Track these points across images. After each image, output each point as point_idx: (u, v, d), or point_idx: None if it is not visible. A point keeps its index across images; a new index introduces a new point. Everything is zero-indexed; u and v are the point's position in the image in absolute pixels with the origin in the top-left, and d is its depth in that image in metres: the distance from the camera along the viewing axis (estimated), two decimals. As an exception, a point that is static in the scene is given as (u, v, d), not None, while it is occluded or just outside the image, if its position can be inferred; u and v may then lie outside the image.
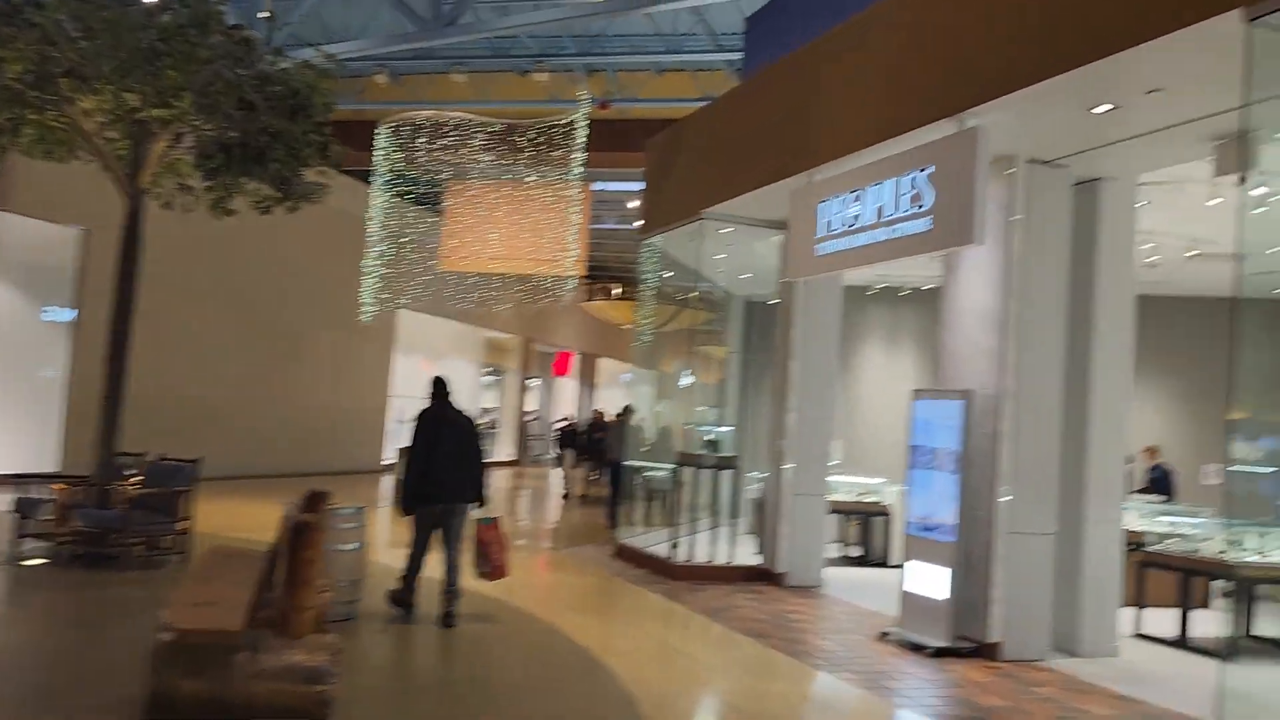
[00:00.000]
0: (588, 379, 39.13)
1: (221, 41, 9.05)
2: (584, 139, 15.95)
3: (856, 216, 8.27)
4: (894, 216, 7.80)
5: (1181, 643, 8.92)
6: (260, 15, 12.62)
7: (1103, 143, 7.64)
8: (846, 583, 11.20)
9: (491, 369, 33.67)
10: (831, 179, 8.73)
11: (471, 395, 31.32)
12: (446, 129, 16.38)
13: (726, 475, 11.75)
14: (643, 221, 13.17)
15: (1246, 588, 8.93)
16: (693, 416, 12.08)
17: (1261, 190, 9.64)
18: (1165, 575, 9.46)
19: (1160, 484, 12.78)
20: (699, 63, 17.11)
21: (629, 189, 23.47)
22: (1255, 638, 9.03)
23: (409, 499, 7.72)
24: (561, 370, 36.51)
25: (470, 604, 8.14)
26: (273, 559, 5.75)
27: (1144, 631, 9.20)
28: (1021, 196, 7.92)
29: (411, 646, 7.39)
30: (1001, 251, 7.91)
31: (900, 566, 12.73)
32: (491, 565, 7.95)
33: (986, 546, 7.87)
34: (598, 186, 20.01)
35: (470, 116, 16.44)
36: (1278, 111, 6.39)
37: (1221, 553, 9.00)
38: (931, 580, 8.09)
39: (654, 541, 12.24)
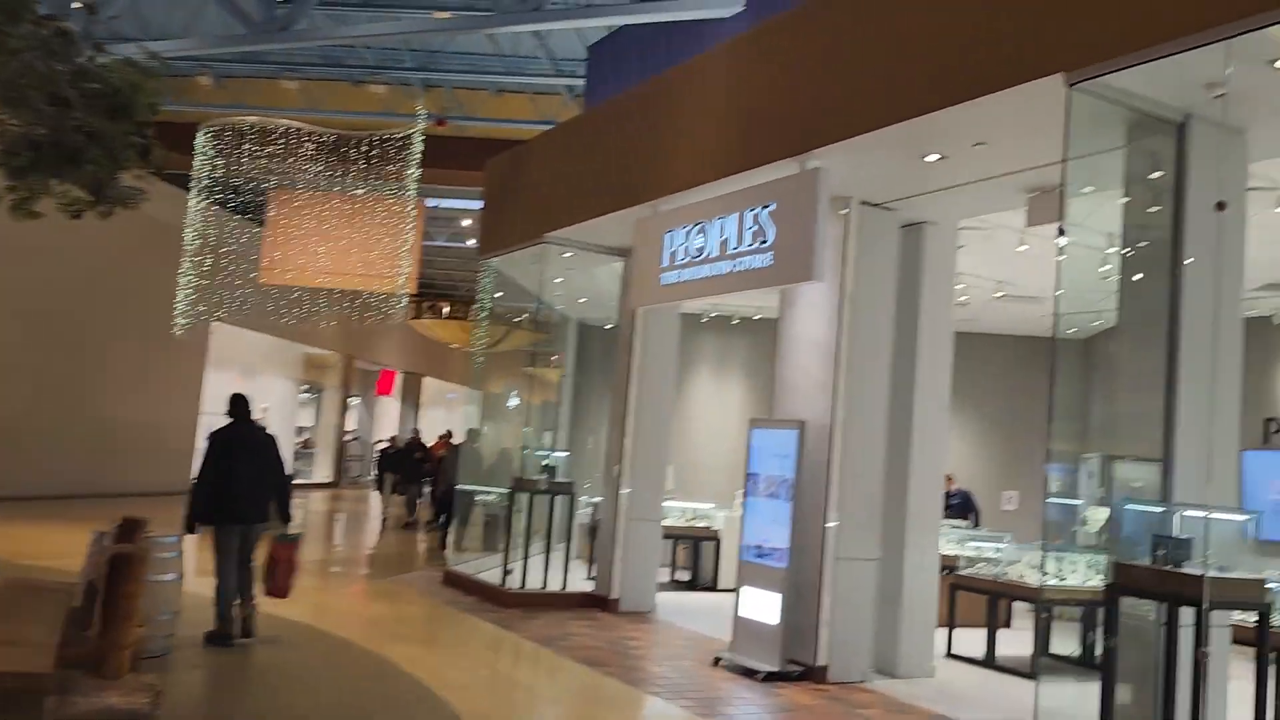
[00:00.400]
0: (411, 398, 38.28)
1: (33, 31, 8.39)
2: (420, 154, 15.66)
3: (701, 249, 8.44)
4: (737, 250, 8.00)
5: (990, 662, 9.47)
6: (75, 4, 11.81)
7: (928, 189, 8.08)
8: (678, 608, 11.34)
9: (310, 386, 32.48)
10: (677, 210, 8.89)
11: (288, 413, 30.12)
12: (274, 136, 15.75)
13: (560, 500, 11.71)
14: (480, 241, 13.02)
15: (1047, 609, 9.55)
16: (528, 440, 12.00)
17: (1064, 240, 10.49)
18: (974, 597, 10.04)
19: (959, 508, 13.54)
20: (538, 85, 17.13)
21: (462, 207, 23.21)
22: (1054, 656, 9.63)
23: (194, 518, 7.65)
24: (385, 389, 35.59)
25: (295, 635, 7.77)
26: (89, 592, 5.33)
27: (955, 651, 9.71)
28: (854, 236, 8.27)
29: (235, 683, 7.00)
30: (835, 287, 8.22)
31: (729, 590, 13.10)
32: (275, 584, 7.80)
33: (816, 572, 8.12)
34: (431, 203, 19.67)
35: (300, 124, 15.87)
36: (1091, 169, 6.95)
37: (1023, 576, 9.62)
38: (763, 605, 8.28)
39: (484, 568, 12.05)
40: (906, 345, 8.74)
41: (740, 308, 16.00)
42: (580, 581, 11.68)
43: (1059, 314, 6.66)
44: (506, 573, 10.97)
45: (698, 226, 8.52)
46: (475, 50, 16.42)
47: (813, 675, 8.03)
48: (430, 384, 40.00)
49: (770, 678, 7.95)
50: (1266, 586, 5.13)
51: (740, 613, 8.52)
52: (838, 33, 7.34)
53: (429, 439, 21.91)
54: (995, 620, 9.70)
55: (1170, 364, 5.95)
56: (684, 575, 14.10)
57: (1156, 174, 6.10)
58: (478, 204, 23.29)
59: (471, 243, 25.96)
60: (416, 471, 19.61)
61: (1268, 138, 6.22)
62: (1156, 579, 5.09)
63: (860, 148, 7.22)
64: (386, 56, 16.74)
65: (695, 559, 13.65)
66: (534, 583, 11.07)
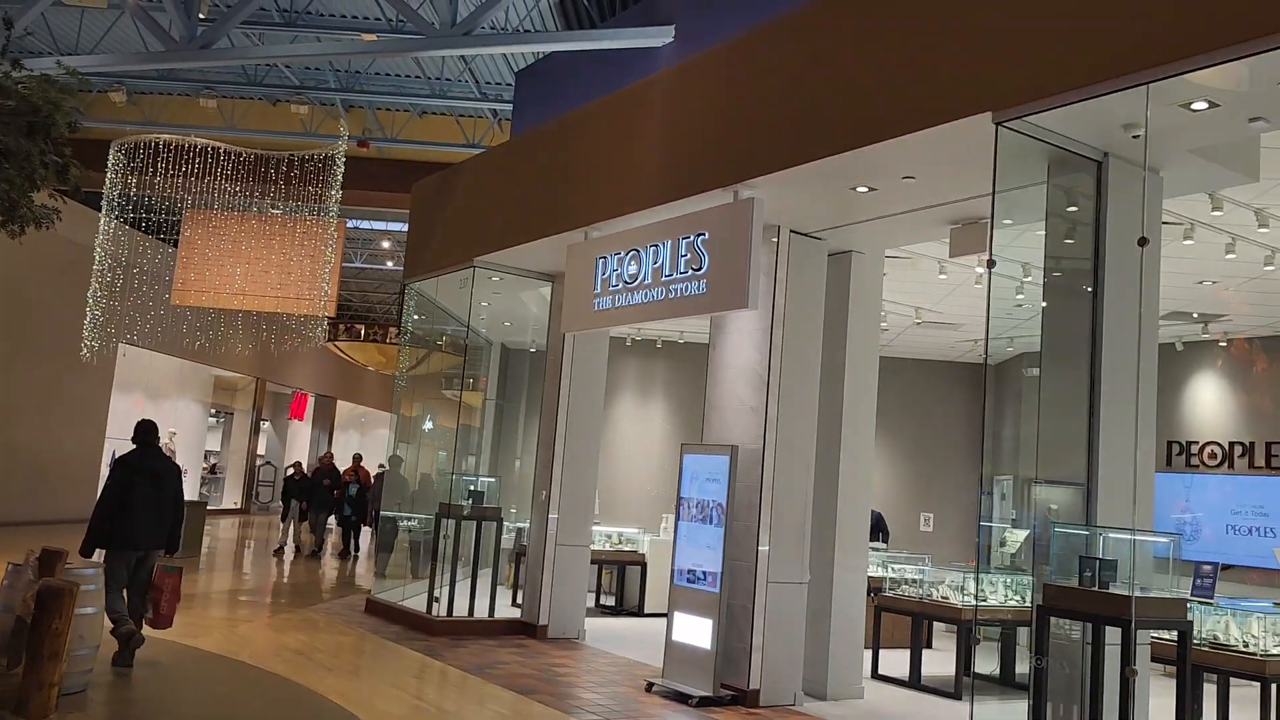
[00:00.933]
0: (324, 422, 37.54)
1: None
2: (341, 175, 15.45)
3: (635, 275, 8.50)
4: (671, 277, 8.09)
5: (916, 682, 9.65)
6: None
7: (856, 220, 8.29)
8: (606, 633, 11.32)
9: (219, 410, 31.65)
10: (610, 236, 8.94)
11: (196, 437, 29.28)
12: (190, 154, 15.37)
13: (484, 526, 11.60)
14: (406, 264, 12.90)
15: (968, 628, 9.78)
16: (452, 465, 11.86)
17: (990, 271, 10.83)
18: (896, 618, 10.25)
19: (870, 529, 13.79)
20: (462, 109, 17.06)
21: (381, 228, 22.95)
22: (977, 675, 9.84)
23: (91, 542, 7.65)
24: (297, 413, 34.84)
25: (216, 668, 7.55)
26: (17, 628, 5.11)
27: (881, 672, 9.89)
28: (784, 264, 8.42)
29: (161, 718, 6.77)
30: (766, 314, 8.35)
31: (656, 615, 13.12)
32: (159, 613, 7.73)
33: (749, 596, 8.20)
34: (349, 224, 19.40)
35: (218, 143, 15.53)
36: (1014, 202, 7.21)
37: (948, 597, 9.85)
38: (696, 630, 8.32)
39: (407, 595, 11.87)
40: (834, 371, 8.92)
41: (664, 332, 16.14)
42: (506, 608, 11.60)
43: (989, 340, 6.87)
44: (434, 600, 10.82)
45: (631, 253, 8.59)
46: (399, 72, 16.30)
47: (745, 700, 8.09)
48: (344, 407, 39.30)
49: (704, 703, 7.99)
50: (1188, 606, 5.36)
51: (673, 637, 8.55)
52: (773, 66, 7.49)
53: (343, 462, 21.14)
54: (920, 641, 9.90)
55: (1092, 389, 6.20)
56: (609, 600, 14.10)
57: (1077, 208, 6.35)
58: (397, 226, 23.13)
59: (390, 265, 25.69)
60: (325, 498, 18.49)
61: (1179, 176, 6.53)
62: (1085, 600, 5.28)
63: (793, 179, 7.37)
64: (309, 76, 16.50)
65: (620, 584, 13.65)
66: (460, 610, 10.95)
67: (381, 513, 14.16)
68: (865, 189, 7.42)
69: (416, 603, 11.38)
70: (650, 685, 8.51)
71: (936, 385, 17.32)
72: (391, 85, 16.56)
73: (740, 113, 7.66)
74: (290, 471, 21.54)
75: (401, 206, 19.10)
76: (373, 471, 19.19)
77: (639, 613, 13.34)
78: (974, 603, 8.88)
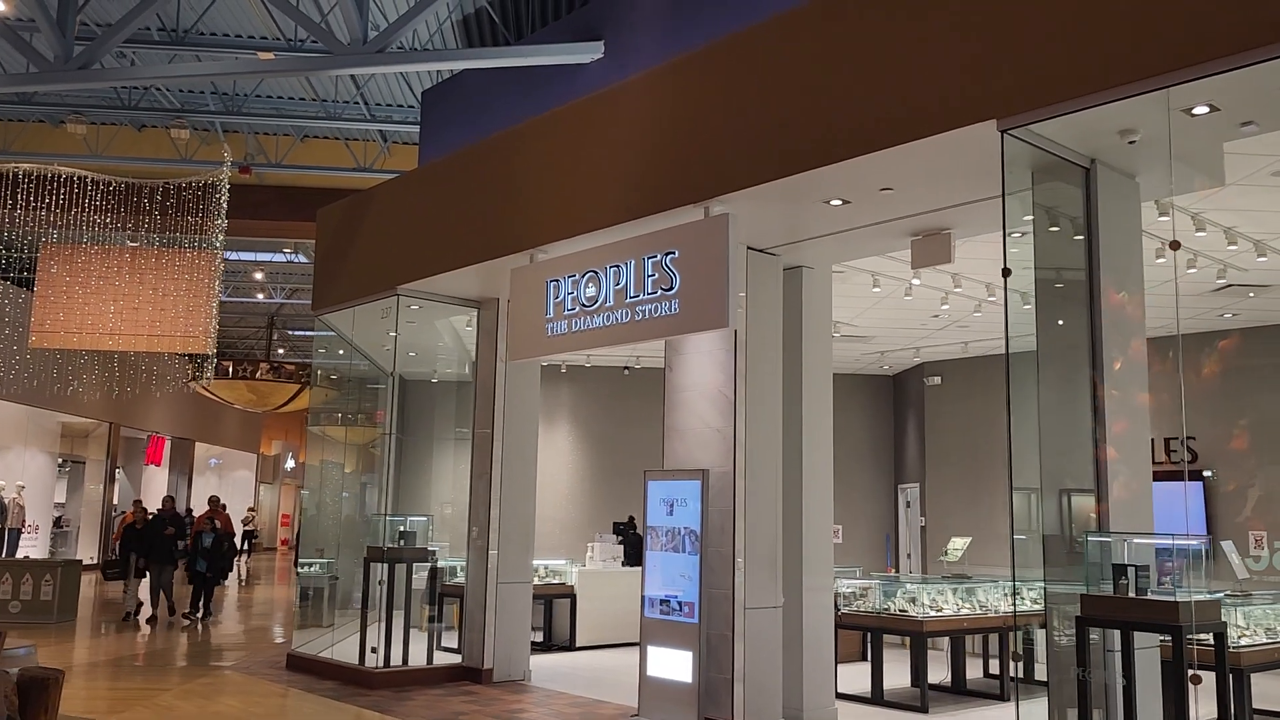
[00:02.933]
0: (182, 466, 35.39)
1: None
2: (225, 203, 14.49)
3: (594, 297, 8.15)
4: (638, 299, 7.78)
5: (879, 698, 9.57)
6: None
7: (816, 234, 8.18)
8: (549, 672, 10.85)
9: (67, 459, 29.39)
10: (562, 258, 8.56)
11: (44, 489, 27.09)
12: (53, 184, 14.12)
13: (402, 568, 10.92)
14: (314, 295, 12.16)
15: (923, 641, 9.77)
16: (383, 505, 11.16)
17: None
18: (852, 634, 10.17)
19: None
20: (350, 131, 16.31)
21: (251, 259, 21.79)
22: (931, 686, 9.83)
23: None
24: (154, 458, 32.72)
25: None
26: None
27: (840, 690, 9.76)
28: (744, 281, 8.23)
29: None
30: (728, 334, 8.13)
31: (588, 649, 12.71)
32: None
33: (727, 624, 7.93)
34: (230, 256, 18.32)
35: (85, 172, 14.33)
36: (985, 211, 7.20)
37: (904, 610, 9.82)
38: (675, 663, 8.00)
39: (326, 646, 11.11)
40: (792, 389, 8.78)
41: (569, 356, 15.75)
42: (445, 654, 10.99)
43: (1008, 348, 6.79)
44: (372, 651, 10.13)
45: (588, 274, 8.23)
46: (282, 94, 15.45)
47: (730, 731, 7.81)
48: (204, 449, 37.19)
49: (689, 738, 7.68)
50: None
51: (648, 673, 8.20)
52: (750, 77, 7.28)
53: (198, 507, 18.54)
54: (880, 656, 9.83)
55: (1095, 395, 6.20)
56: (536, 636, 13.59)
57: (1067, 213, 6.37)
58: (267, 256, 22.00)
59: (261, 298, 24.43)
60: (165, 550, 14.92)
61: (1153, 181, 6.65)
62: (1130, 607, 5.22)
63: (767, 194, 7.19)
64: (188, 99, 15.46)
65: (548, 618, 13.17)
66: (395, 659, 10.28)
67: (301, 560, 13.26)
68: (839, 202, 7.30)
69: (344, 654, 10.65)
70: (628, 725, 8.13)
71: (841, 397, 17.55)
72: (272, 108, 15.69)
73: (711, 127, 7.43)
74: (126, 515, 18.37)
75: (285, 235, 18.19)
76: (240, 517, 17.36)
77: (570, 647, 12.90)
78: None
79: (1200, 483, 13.16)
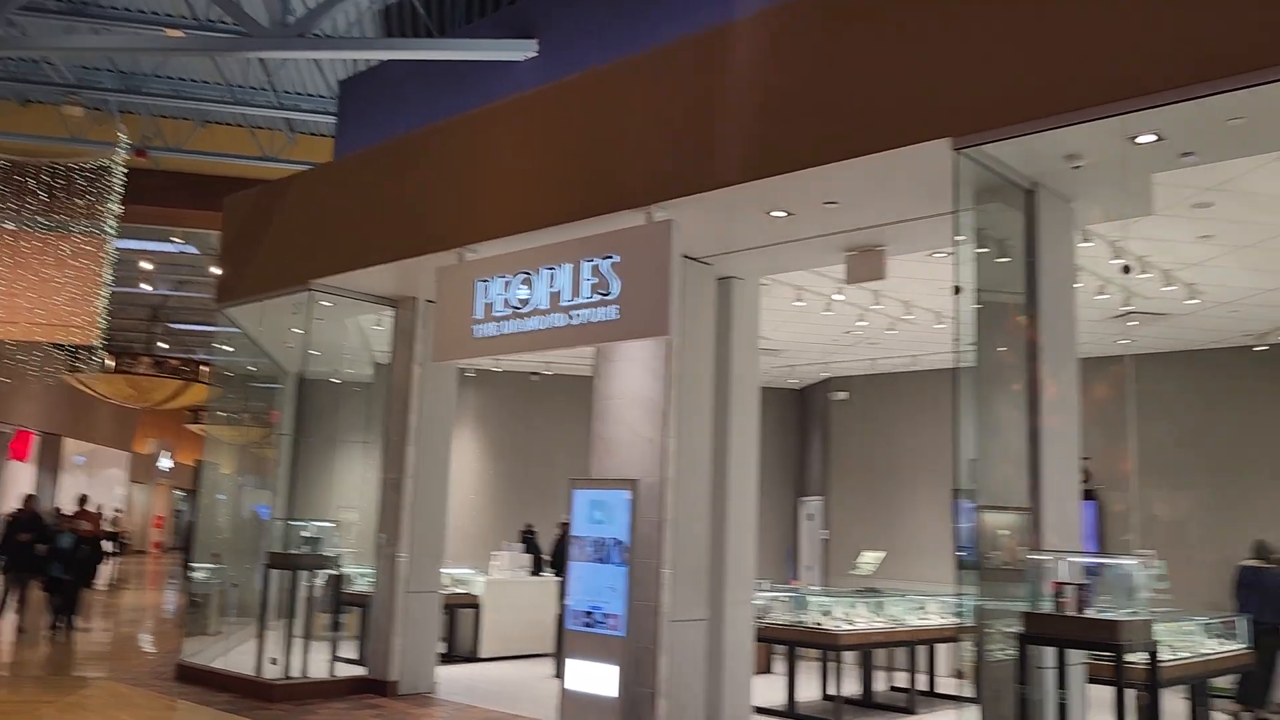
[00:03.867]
0: (50, 462, 33.50)
1: None
2: (120, 187, 13.71)
3: (526, 300, 7.94)
4: (574, 303, 7.60)
5: (792, 711, 9.56)
6: None
7: (752, 245, 8.14)
8: (456, 685, 10.54)
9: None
10: (492, 259, 8.32)
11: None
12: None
13: (302, 574, 10.46)
14: (219, 288, 11.60)
15: (838, 655, 9.82)
16: (287, 509, 10.65)
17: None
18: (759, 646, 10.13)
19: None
20: (255, 118, 15.65)
21: (137, 247, 20.75)
22: (842, 699, 9.87)
23: None
24: (19, 454, 30.87)
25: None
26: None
27: (754, 704, 9.72)
28: (680, 291, 8.13)
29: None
30: (660, 342, 8.01)
31: (493, 660, 12.42)
32: None
33: (652, 638, 7.79)
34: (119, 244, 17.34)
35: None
36: (940, 228, 7.27)
37: (820, 623, 9.85)
38: (598, 677, 7.81)
39: (219, 656, 10.58)
40: (721, 401, 8.72)
41: (474, 360, 15.41)
42: (347, 665, 10.56)
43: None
44: (271, 662, 9.66)
45: (521, 276, 8.02)
46: (184, 75, 14.71)
47: (651, 746, 7.67)
48: (72, 445, 35.28)
49: (611, 754, 7.50)
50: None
51: (569, 686, 7.99)
52: (699, 81, 7.20)
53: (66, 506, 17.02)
54: (795, 669, 9.83)
55: (1032, 411, 6.28)
56: (440, 647, 13.20)
57: (1009, 235, 6.46)
58: (155, 245, 20.99)
59: (147, 288, 23.31)
60: (21, 556, 13.62)
61: (1087, 208, 6.80)
62: (1073, 626, 5.29)
63: (710, 202, 7.12)
64: (84, 76, 14.57)
65: (452, 628, 12.82)
66: (296, 671, 9.83)
67: (191, 564, 12.61)
68: (782, 214, 7.27)
69: (239, 665, 10.14)
70: (546, 740, 7.91)
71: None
72: (172, 89, 14.94)
73: (656, 131, 7.32)
74: None
75: (182, 224, 17.38)
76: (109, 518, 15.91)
77: (475, 658, 12.59)
78: (831, 628, 8.79)
79: (1094, 502, 13.63)
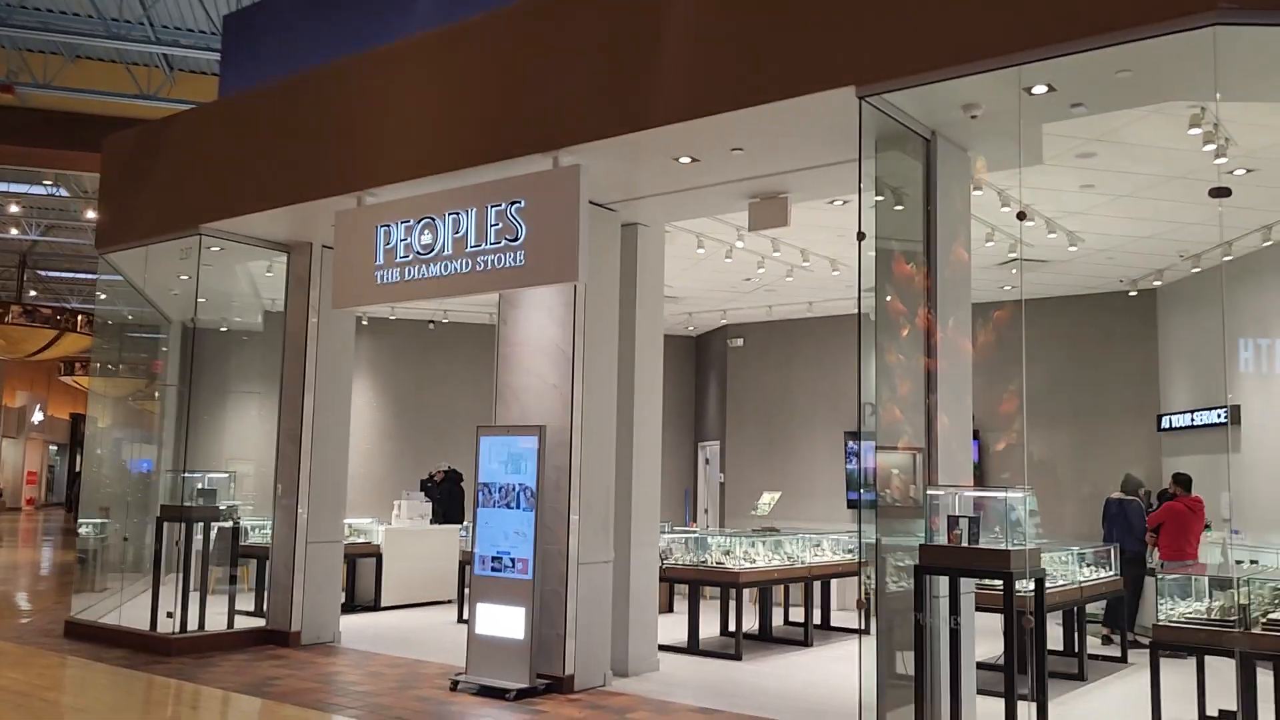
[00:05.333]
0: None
1: None
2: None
3: (429, 245, 7.83)
4: (480, 248, 7.53)
5: (695, 648, 9.83)
6: None
7: (657, 192, 8.18)
8: (358, 633, 10.50)
9: None
10: (393, 203, 8.17)
11: None
12: None
13: (201, 528, 10.22)
14: (99, 232, 11.10)
15: (739, 590, 10.11)
16: (181, 461, 10.31)
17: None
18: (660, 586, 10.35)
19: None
20: (130, 54, 14.83)
21: (11, 190, 19.66)
22: (744, 634, 10.18)
23: None
24: None
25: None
26: None
27: (659, 642, 9.95)
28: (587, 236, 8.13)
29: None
30: (567, 289, 8.03)
31: (394, 608, 12.39)
32: None
33: (561, 581, 7.90)
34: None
35: None
36: (824, 177, 7.43)
37: (722, 562, 10.11)
38: (507, 620, 7.89)
39: (109, 611, 10.30)
40: (626, 347, 8.79)
41: (371, 308, 15.14)
42: (246, 617, 10.40)
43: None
44: (167, 615, 9.45)
45: (424, 221, 7.90)
46: (52, 7, 13.83)
47: (561, 687, 7.81)
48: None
49: (521, 695, 7.61)
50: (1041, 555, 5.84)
51: (477, 631, 8.05)
52: (603, 24, 7.14)
53: None
54: (698, 607, 10.08)
55: (929, 356, 6.52)
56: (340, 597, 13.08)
57: (909, 182, 6.64)
58: (23, 187, 19.88)
59: (15, 233, 22.08)
60: None
61: (983, 156, 7.04)
62: (966, 556, 5.57)
63: (617, 147, 7.11)
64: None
65: (352, 578, 12.71)
66: (190, 623, 9.64)
67: (81, 519, 12.18)
68: (689, 159, 7.32)
69: (133, 620, 9.90)
70: (455, 683, 7.97)
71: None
72: (40, 21, 14.04)
73: (564, 75, 7.25)
74: None
75: (50, 165, 16.50)
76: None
77: (375, 607, 12.54)
78: (732, 566, 9.05)
79: (976, 442, 14.25)
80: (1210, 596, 6.64)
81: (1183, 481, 10.43)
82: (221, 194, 9.60)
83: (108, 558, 11.76)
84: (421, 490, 14.33)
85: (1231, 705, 5.92)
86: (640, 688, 8.11)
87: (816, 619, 11.14)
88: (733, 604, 10.07)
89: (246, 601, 11.20)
